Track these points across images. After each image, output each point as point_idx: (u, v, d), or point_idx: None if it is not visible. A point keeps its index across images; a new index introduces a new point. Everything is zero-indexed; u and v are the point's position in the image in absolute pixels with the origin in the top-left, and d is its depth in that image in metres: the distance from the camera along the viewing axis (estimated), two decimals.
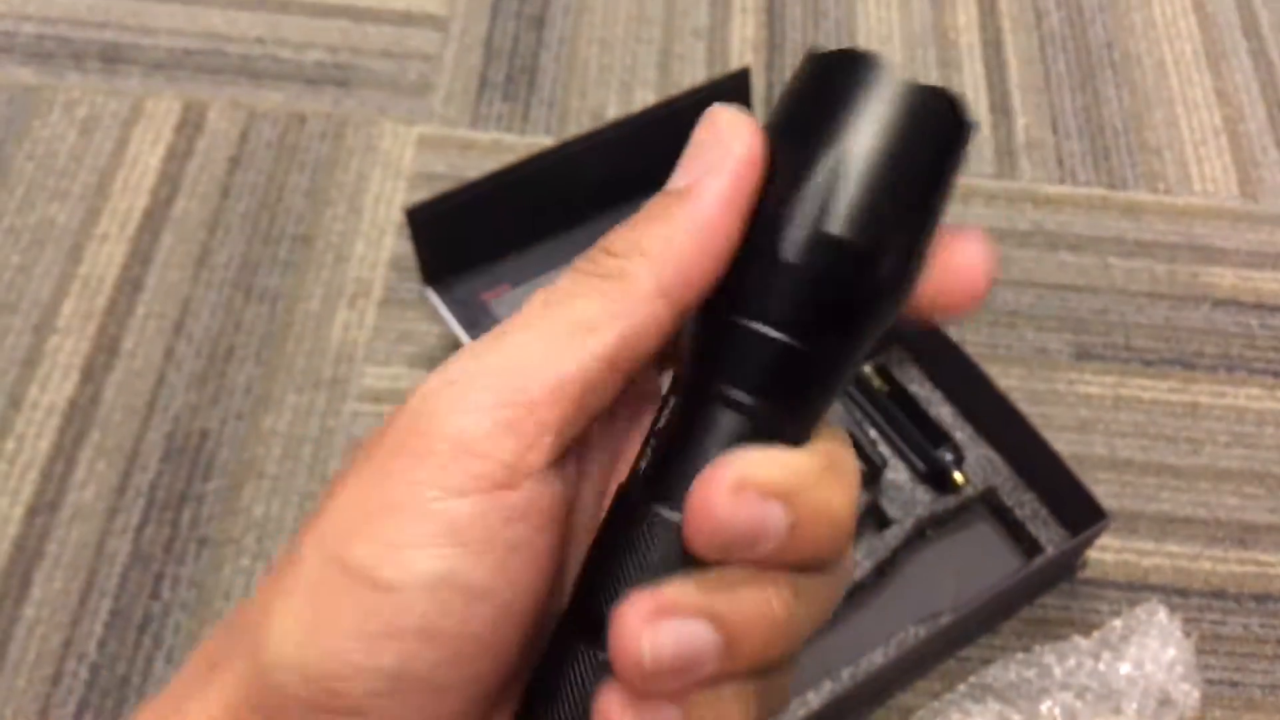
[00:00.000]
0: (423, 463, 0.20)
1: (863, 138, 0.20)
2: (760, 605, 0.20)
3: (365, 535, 0.20)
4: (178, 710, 0.21)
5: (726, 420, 0.20)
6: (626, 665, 0.19)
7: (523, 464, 0.20)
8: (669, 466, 0.21)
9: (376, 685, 0.20)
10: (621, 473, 0.23)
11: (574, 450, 0.22)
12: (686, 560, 0.20)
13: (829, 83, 0.21)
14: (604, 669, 0.20)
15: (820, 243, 0.20)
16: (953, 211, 0.73)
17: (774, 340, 0.20)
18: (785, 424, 0.21)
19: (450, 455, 0.20)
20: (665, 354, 0.22)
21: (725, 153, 0.21)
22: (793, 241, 0.20)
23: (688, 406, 0.21)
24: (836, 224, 0.20)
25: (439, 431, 0.20)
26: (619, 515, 0.21)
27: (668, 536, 0.20)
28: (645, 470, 0.21)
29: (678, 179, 0.21)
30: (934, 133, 0.21)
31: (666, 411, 0.22)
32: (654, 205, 0.21)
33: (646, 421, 0.23)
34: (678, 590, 0.19)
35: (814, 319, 0.20)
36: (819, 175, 0.20)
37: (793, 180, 0.20)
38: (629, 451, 0.23)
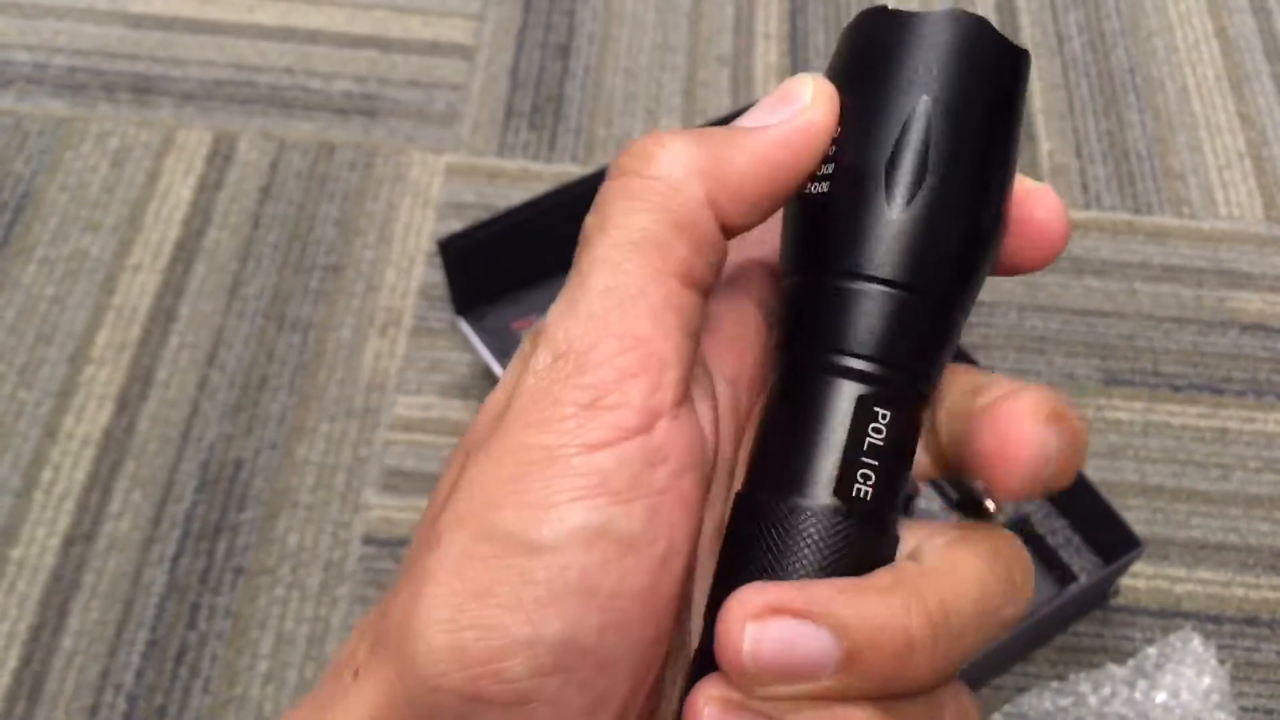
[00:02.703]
0: (557, 426, 0.19)
1: (941, 85, 0.20)
2: (897, 618, 0.19)
3: (511, 502, 0.19)
4: None
5: (845, 390, 0.20)
6: (725, 657, 0.18)
7: (654, 404, 0.19)
8: (795, 453, 0.20)
9: (541, 660, 0.18)
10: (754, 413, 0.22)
11: (701, 388, 0.21)
12: (826, 555, 0.19)
13: (887, 40, 0.21)
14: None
15: (928, 191, 0.20)
16: None
17: (890, 294, 0.20)
18: (904, 388, 0.20)
19: (584, 413, 0.19)
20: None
21: (798, 101, 0.20)
22: (902, 193, 0.20)
23: (800, 384, 0.21)
24: (938, 174, 0.20)
25: (566, 396, 0.19)
26: (740, 512, 0.21)
27: (802, 527, 0.20)
28: (763, 462, 0.21)
29: (749, 119, 0.21)
30: (998, 69, 0.21)
31: (775, 395, 0.21)
32: (721, 131, 0.21)
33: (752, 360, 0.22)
34: (797, 588, 0.19)
35: (930, 266, 0.20)
36: (908, 125, 0.20)
37: (877, 131, 0.20)
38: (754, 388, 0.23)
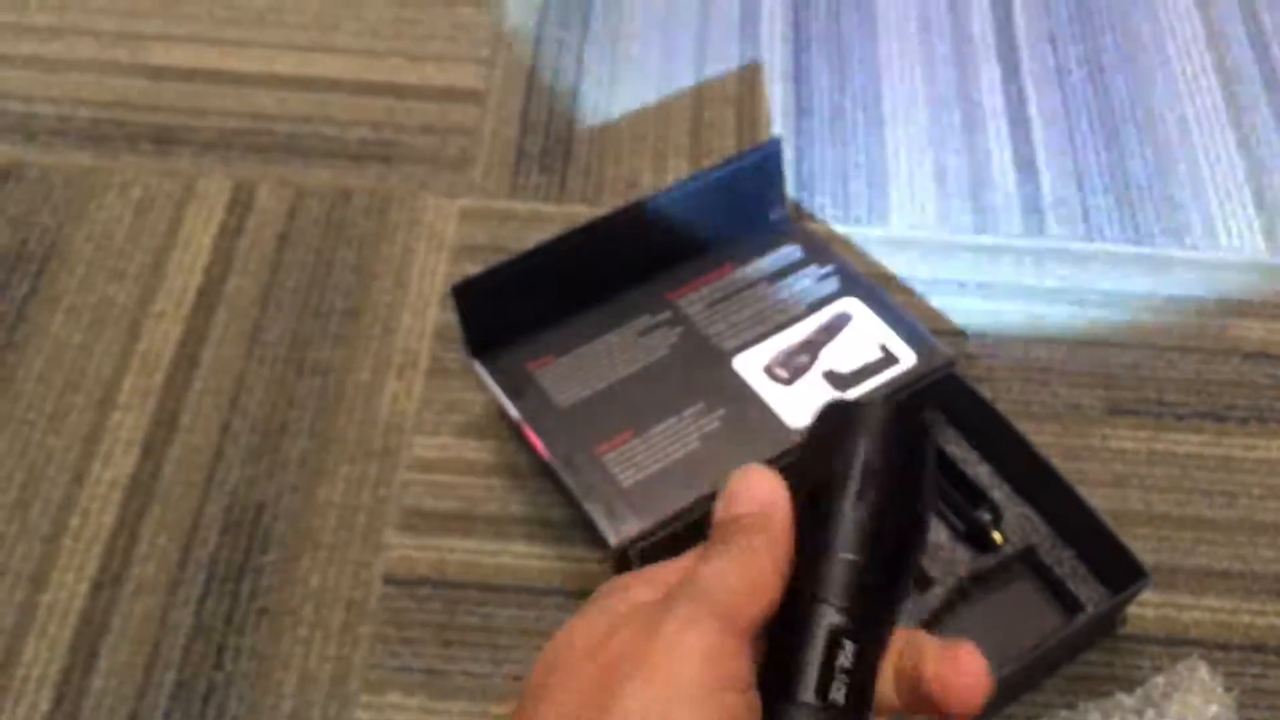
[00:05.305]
0: (697, 666, 0.25)
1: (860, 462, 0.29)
2: None
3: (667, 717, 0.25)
4: None
5: (827, 620, 0.28)
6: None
7: (750, 673, 0.26)
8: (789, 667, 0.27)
9: None
10: None
11: None
12: None
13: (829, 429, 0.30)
14: None
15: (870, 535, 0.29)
16: (982, 268, 0.74)
17: (852, 565, 0.28)
18: (862, 622, 0.28)
19: (715, 661, 0.26)
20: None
21: (765, 510, 0.29)
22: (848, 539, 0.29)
23: (794, 618, 0.28)
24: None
25: (701, 649, 0.26)
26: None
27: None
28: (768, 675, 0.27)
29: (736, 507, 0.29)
30: (909, 441, 0.30)
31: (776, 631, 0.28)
32: (733, 542, 0.29)
33: None
34: None
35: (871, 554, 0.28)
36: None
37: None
38: None
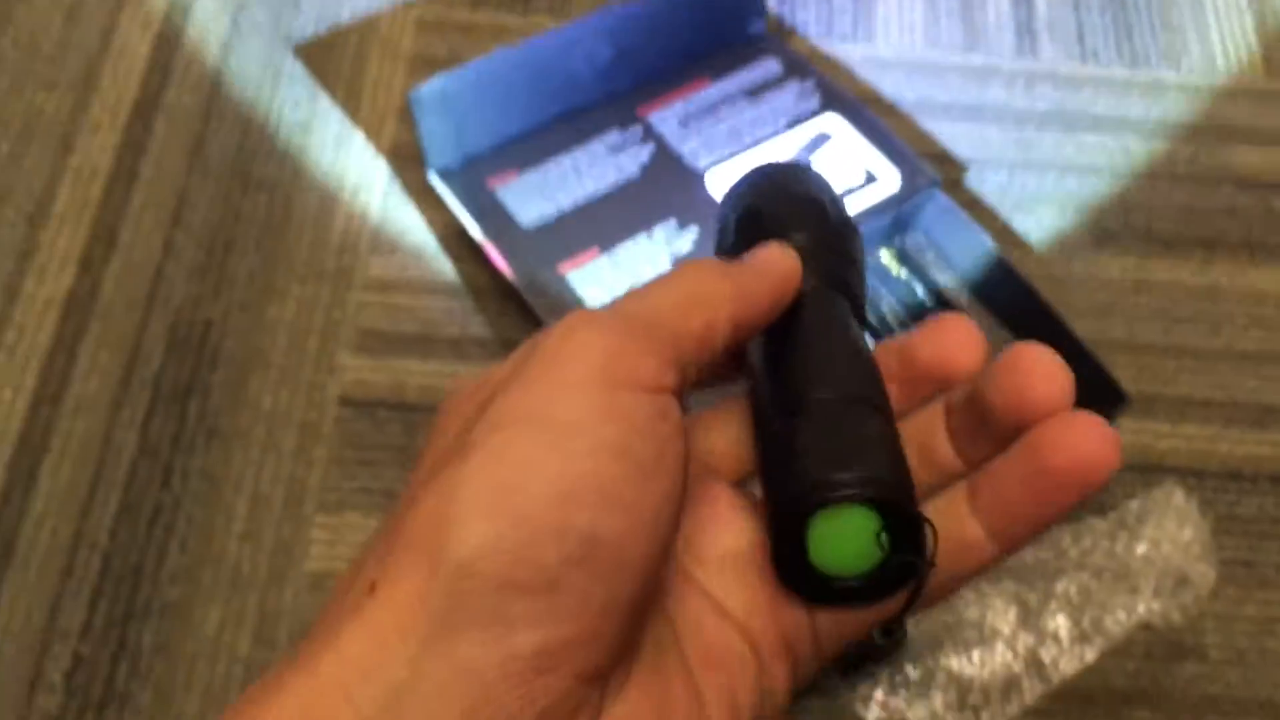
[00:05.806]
0: (588, 363, 0.22)
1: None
2: None
3: (546, 414, 0.21)
4: (330, 644, 0.19)
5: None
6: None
7: (662, 380, 0.23)
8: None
9: (571, 550, 0.20)
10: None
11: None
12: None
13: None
14: None
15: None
16: (972, 93, 0.70)
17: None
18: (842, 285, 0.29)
19: (613, 358, 0.22)
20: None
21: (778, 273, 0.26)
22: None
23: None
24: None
25: (595, 346, 0.22)
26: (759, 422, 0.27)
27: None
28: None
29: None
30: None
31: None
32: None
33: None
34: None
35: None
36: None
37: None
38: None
